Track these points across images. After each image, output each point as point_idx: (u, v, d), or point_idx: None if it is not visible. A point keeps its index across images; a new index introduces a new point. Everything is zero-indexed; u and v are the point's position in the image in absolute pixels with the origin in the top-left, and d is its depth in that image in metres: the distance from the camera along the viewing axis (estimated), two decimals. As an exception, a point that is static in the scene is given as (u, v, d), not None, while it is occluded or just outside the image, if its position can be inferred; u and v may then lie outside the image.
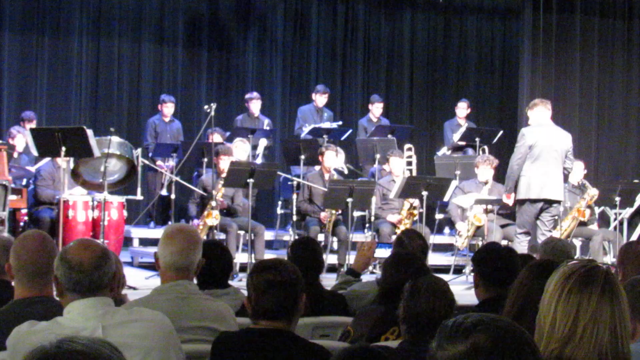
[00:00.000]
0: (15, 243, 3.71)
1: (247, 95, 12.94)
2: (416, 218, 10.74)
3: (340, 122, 12.94)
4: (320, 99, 12.85)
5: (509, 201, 9.97)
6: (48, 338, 1.71)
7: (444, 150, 13.18)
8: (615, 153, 14.15)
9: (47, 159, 10.33)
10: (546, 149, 9.58)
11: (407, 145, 12.19)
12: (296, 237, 10.32)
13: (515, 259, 4.60)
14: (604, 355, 2.37)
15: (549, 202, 9.65)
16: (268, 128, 12.53)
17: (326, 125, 12.55)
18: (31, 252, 3.60)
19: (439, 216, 12.02)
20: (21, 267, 3.60)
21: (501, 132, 12.61)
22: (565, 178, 10.10)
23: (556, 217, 9.99)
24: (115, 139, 9.32)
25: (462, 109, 13.45)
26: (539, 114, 9.74)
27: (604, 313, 2.39)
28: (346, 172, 12.11)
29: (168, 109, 12.65)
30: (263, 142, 12.32)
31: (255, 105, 12.72)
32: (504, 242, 10.04)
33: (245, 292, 4.92)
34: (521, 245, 9.43)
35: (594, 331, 2.37)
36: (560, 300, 2.39)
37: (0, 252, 4.36)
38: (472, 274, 4.92)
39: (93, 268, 3.14)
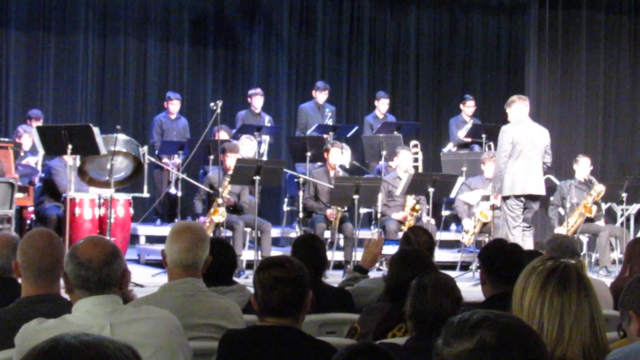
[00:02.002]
0: (22, 241, 3.72)
1: (250, 91, 12.94)
2: (420, 214, 10.74)
3: (331, 110, 12.89)
4: (320, 95, 12.82)
5: (497, 201, 10.03)
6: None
7: (449, 147, 13.16)
8: (622, 149, 14.12)
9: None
10: (527, 146, 9.71)
11: (413, 142, 12.18)
12: (302, 234, 10.32)
13: (522, 255, 4.60)
14: (586, 350, 2.42)
15: (532, 198, 9.74)
16: (269, 124, 12.52)
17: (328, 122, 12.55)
18: (38, 250, 3.61)
19: (445, 213, 12.01)
20: (28, 265, 3.61)
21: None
22: (544, 172, 10.19)
23: (535, 213, 10.12)
24: (122, 137, 9.33)
25: (470, 107, 13.42)
26: (517, 110, 9.86)
27: (584, 310, 2.46)
28: (348, 166, 12.08)
29: (174, 106, 12.65)
30: (266, 139, 12.32)
31: (257, 101, 12.71)
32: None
33: (251, 289, 4.95)
34: (518, 240, 9.47)
35: (579, 330, 2.43)
36: (545, 305, 2.45)
37: (8, 250, 4.38)
38: (479, 270, 4.92)
39: (102, 265, 3.14)
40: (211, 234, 9.56)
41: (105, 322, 3.08)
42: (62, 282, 3.39)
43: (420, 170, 11.82)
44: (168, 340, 3.20)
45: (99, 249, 3.18)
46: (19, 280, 3.78)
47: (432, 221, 10.65)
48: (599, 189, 10.92)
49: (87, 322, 3.07)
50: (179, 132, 12.64)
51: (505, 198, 9.79)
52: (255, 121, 12.47)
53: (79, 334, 1.70)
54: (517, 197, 9.71)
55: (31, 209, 9.94)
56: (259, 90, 12.91)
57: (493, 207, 10.47)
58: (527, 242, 9.58)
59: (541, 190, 9.90)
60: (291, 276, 3.33)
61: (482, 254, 4.79)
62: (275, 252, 10.58)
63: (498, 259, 4.52)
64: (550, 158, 10.05)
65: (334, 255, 10.38)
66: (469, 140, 12.91)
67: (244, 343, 3.35)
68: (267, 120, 12.62)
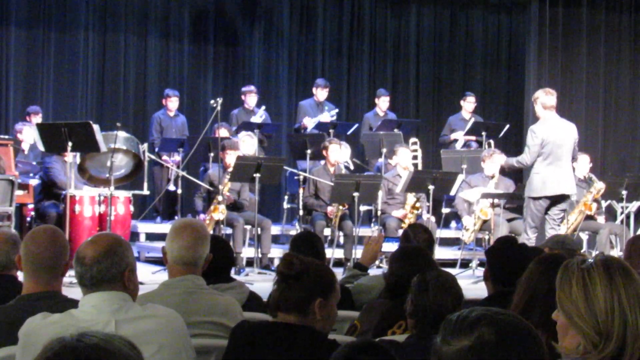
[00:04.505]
0: (27, 236, 3.73)
1: (244, 89, 12.89)
2: (420, 212, 10.73)
3: (336, 110, 12.88)
4: (321, 93, 12.80)
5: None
6: (61, 330, 1.74)
7: (456, 136, 13.11)
8: (622, 146, 14.13)
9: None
10: (557, 145, 9.56)
11: (412, 139, 12.19)
12: (300, 231, 10.30)
13: (528, 255, 4.57)
14: None
15: (564, 197, 9.66)
16: (262, 118, 12.44)
17: (325, 116, 12.50)
18: (39, 245, 3.61)
19: (445, 210, 12.01)
20: (29, 260, 3.61)
21: (508, 126, 12.60)
22: (573, 169, 10.11)
23: (565, 211, 9.99)
24: (122, 134, 9.34)
25: (470, 103, 13.39)
26: (543, 106, 9.70)
27: None
28: (352, 167, 12.09)
29: (172, 103, 12.66)
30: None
31: (251, 99, 12.65)
32: (510, 236, 10.01)
33: (250, 287, 4.95)
34: (530, 242, 9.42)
35: None
36: (622, 297, 2.32)
37: (8, 246, 4.38)
38: (482, 267, 4.90)
39: (93, 263, 3.16)
40: (211, 232, 9.56)
41: (111, 318, 3.10)
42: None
43: (419, 167, 11.82)
44: (172, 339, 3.21)
45: (94, 247, 3.20)
46: (19, 278, 3.79)
47: (432, 219, 10.65)
48: (599, 186, 10.92)
49: (92, 318, 3.09)
50: (177, 129, 12.65)
51: (535, 199, 9.67)
52: (249, 118, 12.44)
53: (84, 334, 1.73)
54: (547, 198, 9.61)
55: (31, 206, 9.94)
56: (252, 88, 12.87)
57: (493, 205, 10.48)
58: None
59: (572, 190, 9.76)
60: (289, 273, 3.32)
61: (489, 252, 4.76)
62: (275, 249, 10.60)
63: (503, 259, 4.50)
64: (576, 154, 9.99)
65: (334, 253, 10.37)
66: (472, 137, 12.89)
67: (253, 336, 3.35)
68: (259, 114, 12.53)
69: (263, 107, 12.64)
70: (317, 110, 12.73)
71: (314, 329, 3.32)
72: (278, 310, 3.35)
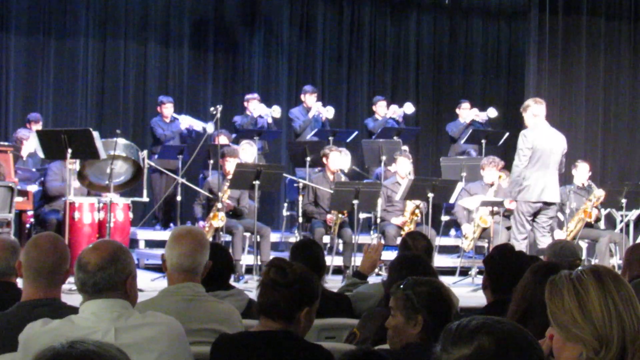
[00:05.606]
0: (29, 242, 3.72)
1: (248, 96, 12.91)
2: (418, 219, 10.73)
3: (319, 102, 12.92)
4: (309, 98, 12.81)
5: (512, 206, 9.96)
6: (61, 336, 1.74)
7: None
8: (622, 155, 14.13)
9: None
10: (545, 152, 9.60)
11: (403, 147, 12.15)
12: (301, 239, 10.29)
13: (526, 262, 4.57)
14: None
15: (547, 204, 9.67)
16: (266, 117, 12.46)
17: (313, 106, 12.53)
18: (41, 251, 3.60)
19: (444, 218, 12.01)
20: (29, 266, 3.60)
21: (507, 134, 12.60)
22: (570, 180, 10.10)
23: (553, 219, 9.99)
24: (121, 141, 9.33)
25: (466, 109, 13.43)
26: (533, 115, 9.71)
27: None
28: (346, 171, 12.06)
29: (167, 109, 12.61)
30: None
31: (253, 105, 12.66)
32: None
33: (249, 294, 4.95)
34: (519, 246, 9.42)
35: None
36: (616, 300, 2.31)
37: (8, 253, 4.38)
38: (482, 274, 4.90)
39: (96, 270, 3.16)
40: (211, 239, 9.55)
41: (110, 326, 3.10)
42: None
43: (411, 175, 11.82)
44: (172, 347, 3.21)
45: (97, 254, 3.20)
46: (19, 285, 3.78)
47: (428, 209, 10.65)
48: (599, 193, 10.91)
49: (91, 325, 3.09)
50: (174, 134, 12.62)
51: (519, 204, 9.68)
52: (252, 123, 12.44)
53: (75, 341, 1.74)
54: (531, 203, 9.62)
55: (30, 212, 9.94)
56: (255, 95, 12.89)
57: (492, 213, 10.47)
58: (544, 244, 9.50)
59: (556, 198, 9.78)
60: (283, 283, 3.30)
61: (487, 260, 4.76)
62: (275, 256, 10.57)
63: (501, 267, 4.50)
64: (563, 165, 10.00)
65: (333, 261, 10.37)
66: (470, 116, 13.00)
67: (236, 348, 3.34)
68: (265, 109, 12.54)
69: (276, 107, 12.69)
70: (307, 116, 12.73)
71: (295, 334, 3.32)
72: (262, 315, 3.34)
